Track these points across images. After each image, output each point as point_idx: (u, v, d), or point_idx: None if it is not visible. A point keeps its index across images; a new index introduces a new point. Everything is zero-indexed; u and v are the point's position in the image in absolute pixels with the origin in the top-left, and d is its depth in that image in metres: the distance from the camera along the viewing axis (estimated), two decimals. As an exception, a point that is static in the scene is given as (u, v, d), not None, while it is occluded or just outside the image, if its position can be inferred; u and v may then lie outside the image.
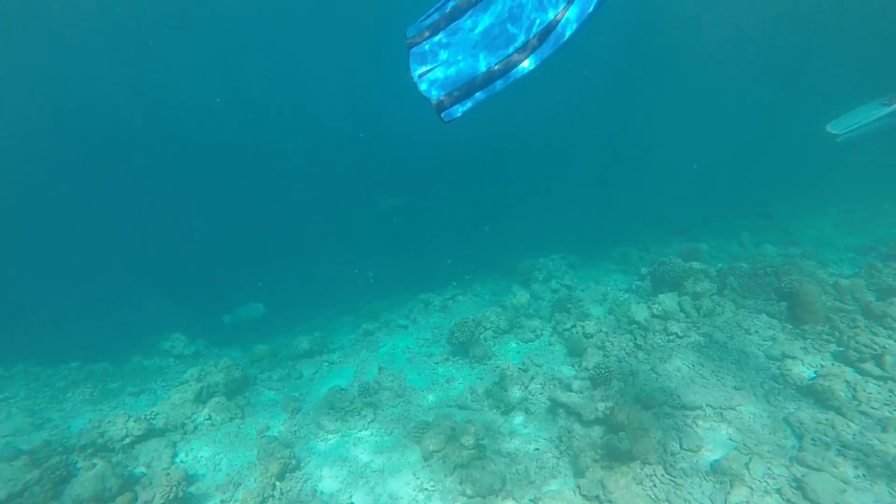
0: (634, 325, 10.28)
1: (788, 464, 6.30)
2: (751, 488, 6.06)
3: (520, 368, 9.56)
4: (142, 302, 18.78)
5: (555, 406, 8.37)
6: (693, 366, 8.43)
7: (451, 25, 2.25)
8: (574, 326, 10.87)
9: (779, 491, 5.95)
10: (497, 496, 6.85)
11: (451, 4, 2.28)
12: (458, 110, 2.22)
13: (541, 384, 9.27)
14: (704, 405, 7.38)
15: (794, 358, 8.09)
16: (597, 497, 6.47)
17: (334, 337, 13.58)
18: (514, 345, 11.17)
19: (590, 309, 11.59)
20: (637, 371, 8.68)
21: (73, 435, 9.01)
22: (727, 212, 19.50)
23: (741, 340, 8.85)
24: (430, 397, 9.51)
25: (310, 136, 28.63)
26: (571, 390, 8.58)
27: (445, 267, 17.03)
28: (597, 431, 7.62)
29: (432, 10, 2.27)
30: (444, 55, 2.22)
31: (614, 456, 6.71)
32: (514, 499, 6.81)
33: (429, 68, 2.25)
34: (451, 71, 2.20)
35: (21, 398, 11.42)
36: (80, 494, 7.11)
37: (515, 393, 9.07)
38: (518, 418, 8.56)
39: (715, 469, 6.33)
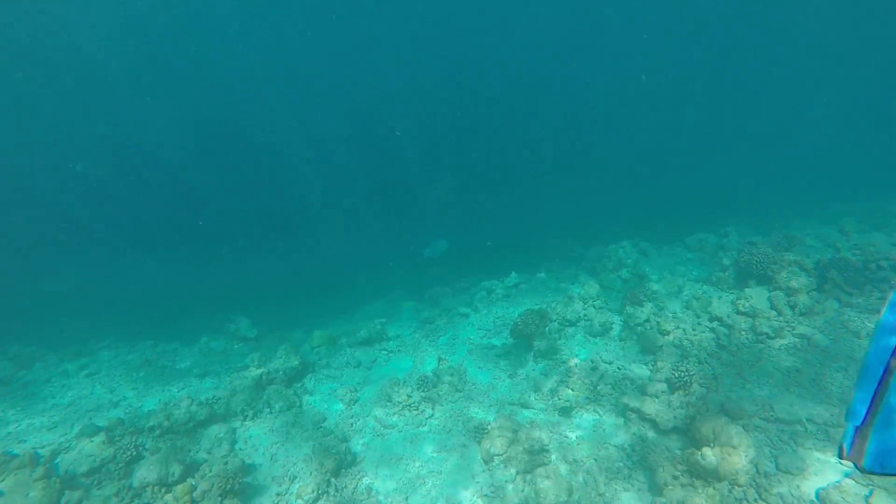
0: (716, 322, 9.30)
1: (915, 497, 5.33)
2: (867, 523, 5.18)
3: (589, 366, 8.88)
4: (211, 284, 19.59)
5: (626, 410, 7.67)
6: (788, 372, 7.43)
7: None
8: (648, 321, 10.01)
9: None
10: (563, 508, 6.32)
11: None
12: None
13: (611, 384, 8.55)
14: (805, 420, 6.43)
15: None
16: (677, 519, 5.80)
17: (394, 323, 13.39)
18: (581, 338, 10.47)
19: (665, 302, 10.65)
20: (721, 375, 7.78)
21: (144, 415, 9.33)
22: (823, 195, 17.60)
23: (848, 345, 7.70)
24: (492, 393, 9.04)
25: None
26: (646, 393, 7.83)
27: (509, 253, 16.46)
28: (675, 442, 6.88)
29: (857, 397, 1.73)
30: None
31: (697, 473, 5.97)
32: (582, 512, 6.27)
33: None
34: None
35: (103, 374, 12.06)
36: (145, 477, 7.26)
37: (583, 393, 8.42)
38: (586, 421, 7.93)
39: (822, 499, 5.46)
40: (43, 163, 22.13)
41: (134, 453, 7.97)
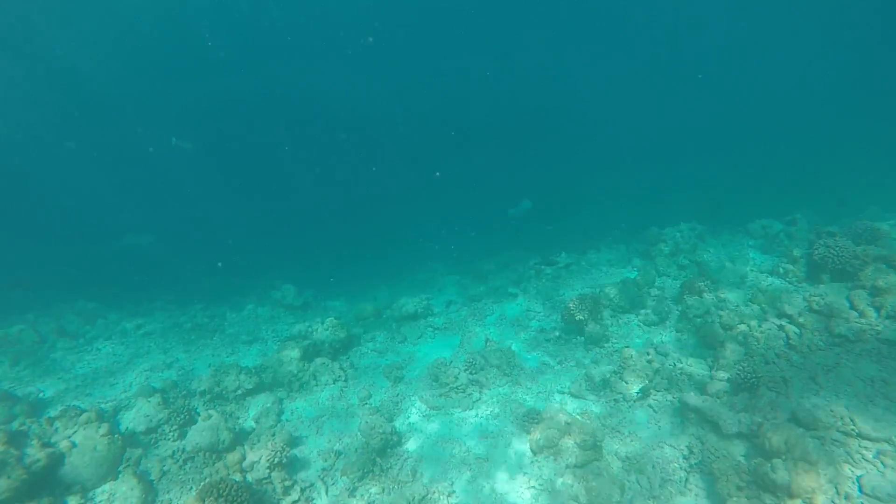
0: (786, 320, 8.65)
1: None
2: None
3: (644, 359, 8.47)
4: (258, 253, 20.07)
5: (684, 408, 7.28)
6: (872, 382, 6.81)
7: None
8: (708, 313, 9.46)
9: None
10: (615, 508, 6.09)
11: None
12: None
13: (667, 379, 8.15)
14: (894, 438, 5.88)
15: None
16: (741, 533, 5.46)
17: (438, 297, 13.27)
18: (635, 327, 10.04)
19: (726, 293, 10.01)
20: (791, 379, 7.24)
21: (196, 379, 9.60)
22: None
23: (944, 356, 6.99)
24: (541, 379, 8.81)
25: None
26: (706, 392, 7.40)
27: (560, 232, 15.97)
28: (738, 448, 6.47)
29: None
30: None
31: (766, 487, 5.58)
32: (635, 514, 6.02)
33: None
34: None
35: (157, 335, 12.52)
36: (198, 443, 7.46)
37: (636, 386, 8.06)
38: (640, 416, 7.60)
39: (912, 528, 5.00)
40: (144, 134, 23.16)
41: (187, 417, 8.21)
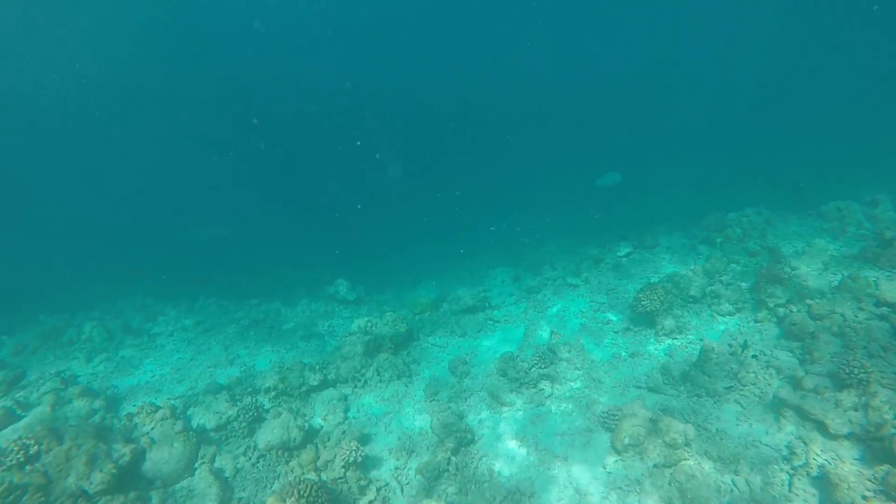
0: (887, 308, 7.94)
1: None
2: None
3: (727, 351, 7.95)
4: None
5: (780, 405, 6.76)
6: None
7: None
8: (791, 301, 8.82)
9: None
10: (715, 514, 5.68)
11: None
12: None
13: (754, 373, 7.60)
14: None
15: None
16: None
17: (492, 290, 12.97)
18: (708, 317, 9.49)
19: (808, 280, 9.33)
20: (904, 373, 6.60)
21: (259, 375, 9.61)
22: None
23: None
24: (614, 373, 8.40)
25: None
26: (802, 388, 6.84)
27: (614, 220, 15.39)
28: (850, 450, 5.93)
29: None
30: None
31: None
32: (738, 521, 5.60)
33: None
34: None
35: (217, 331, 12.67)
36: (270, 441, 7.43)
37: (722, 380, 7.56)
38: (727, 413, 7.11)
39: None
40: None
41: (255, 414, 8.19)
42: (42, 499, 5.90)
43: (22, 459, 6.26)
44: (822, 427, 6.23)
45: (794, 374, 7.32)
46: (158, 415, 7.40)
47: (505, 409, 7.95)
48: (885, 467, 5.19)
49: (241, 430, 8.00)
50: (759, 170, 19.24)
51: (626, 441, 6.54)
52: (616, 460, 6.58)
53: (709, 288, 10.06)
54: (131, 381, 9.92)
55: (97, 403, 8.44)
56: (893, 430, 5.54)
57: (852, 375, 6.55)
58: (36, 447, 6.44)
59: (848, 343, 7.50)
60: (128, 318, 13.83)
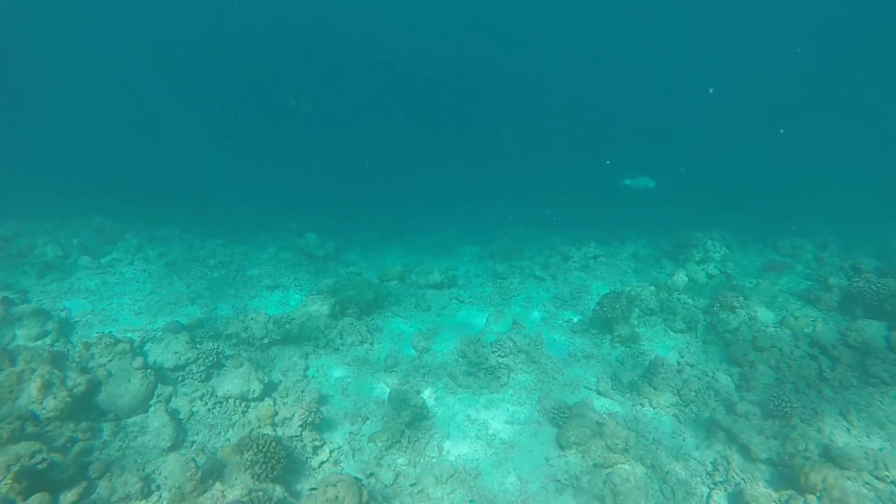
0: (818, 350, 8.68)
1: None
2: None
3: (674, 368, 8.52)
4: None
5: (713, 424, 7.36)
6: (906, 428, 6.89)
7: None
8: (739, 329, 9.47)
9: None
10: (640, 514, 6.22)
11: None
12: None
13: (694, 391, 8.21)
14: (925, 490, 5.97)
15: None
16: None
17: (461, 270, 13.20)
18: (661, 331, 10.06)
19: (757, 310, 10.00)
20: (823, 413, 7.31)
21: (221, 321, 9.57)
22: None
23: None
24: (567, 371, 8.86)
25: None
26: (735, 412, 7.47)
27: (586, 220, 15.85)
28: (764, 473, 6.59)
29: None
30: None
31: (796, 519, 5.70)
32: (658, 523, 6.16)
33: None
34: None
35: (180, 266, 12.38)
36: (229, 390, 7.49)
37: (666, 394, 8.13)
38: (665, 424, 7.69)
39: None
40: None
41: (214, 359, 8.18)
42: (-11, 417, 5.81)
43: (-30, 375, 6.10)
44: (744, 450, 6.85)
45: (729, 398, 7.96)
46: (118, 348, 7.30)
47: (461, 390, 8.28)
48: (790, 492, 5.82)
49: (199, 374, 7.97)
50: (735, 193, 20.16)
51: (572, 439, 6.99)
52: (559, 455, 7.04)
53: (667, 302, 10.62)
54: (85, 306, 9.66)
55: (49, 326, 8.21)
56: (802, 461, 6.17)
57: (779, 408, 7.19)
58: (-13, 365, 6.27)
59: (781, 377, 8.19)
60: (84, 237, 13.29)
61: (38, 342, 8.02)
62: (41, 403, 6.11)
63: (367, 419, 7.65)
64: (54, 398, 6.14)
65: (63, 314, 8.94)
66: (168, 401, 7.30)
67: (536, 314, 10.57)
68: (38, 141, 23.02)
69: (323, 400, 7.92)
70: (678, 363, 8.79)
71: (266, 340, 9.02)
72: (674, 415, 7.89)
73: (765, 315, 9.95)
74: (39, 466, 5.19)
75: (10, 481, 4.88)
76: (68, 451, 5.94)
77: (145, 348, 8.32)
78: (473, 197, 20.58)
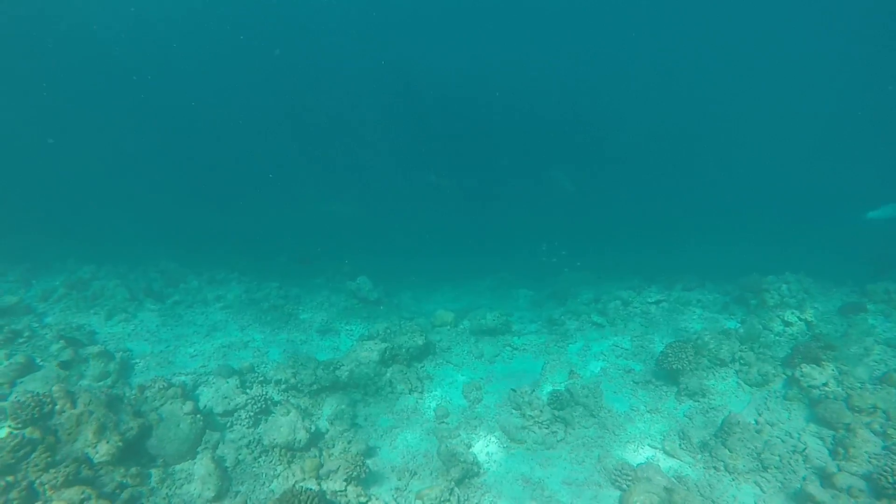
0: (932, 413, 7.52)
1: None
2: None
3: (753, 428, 7.61)
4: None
5: (805, 499, 6.41)
6: None
7: None
8: (827, 385, 8.43)
9: None
10: None
11: None
12: None
13: (778, 456, 7.26)
14: None
15: None
16: None
17: (515, 315, 12.76)
18: (733, 383, 9.13)
19: (850, 366, 8.90)
20: (947, 491, 6.20)
21: (272, 366, 9.53)
22: None
23: None
24: (629, 427, 8.13)
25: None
26: (834, 486, 6.49)
27: (647, 264, 15.11)
28: (876, 561, 5.59)
29: None
30: None
31: None
32: None
33: None
34: None
35: (235, 310, 12.69)
36: (275, 438, 7.34)
37: (743, 457, 7.23)
38: (745, 494, 6.79)
39: None
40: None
41: (263, 405, 8.12)
42: (49, 458, 5.90)
43: (37, 415, 6.27)
44: (849, 532, 5.89)
45: (824, 468, 6.96)
46: (171, 392, 7.36)
47: (514, 445, 7.73)
48: None
49: (247, 420, 7.92)
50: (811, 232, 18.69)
51: (639, 506, 6.27)
52: (624, 524, 6.32)
53: (739, 353, 9.69)
54: (146, 348, 9.97)
55: (111, 367, 8.47)
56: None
57: (895, 486, 6.18)
58: (51, 405, 6.45)
59: (890, 447, 7.10)
60: (151, 279, 13.97)
61: (100, 383, 8.27)
62: (95, 447, 6.18)
63: (416, 474, 7.24)
64: (107, 442, 6.19)
65: (124, 355, 9.23)
66: (216, 447, 7.24)
67: (595, 364, 9.91)
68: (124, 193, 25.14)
69: (370, 452, 7.61)
70: (756, 422, 7.86)
71: (315, 387, 8.89)
72: (755, 482, 6.97)
73: (858, 371, 8.83)
74: (87, 513, 5.16)
75: (57, 529, 4.85)
76: (117, 497, 5.91)
77: (197, 392, 8.40)
78: (526, 239, 20.22)
